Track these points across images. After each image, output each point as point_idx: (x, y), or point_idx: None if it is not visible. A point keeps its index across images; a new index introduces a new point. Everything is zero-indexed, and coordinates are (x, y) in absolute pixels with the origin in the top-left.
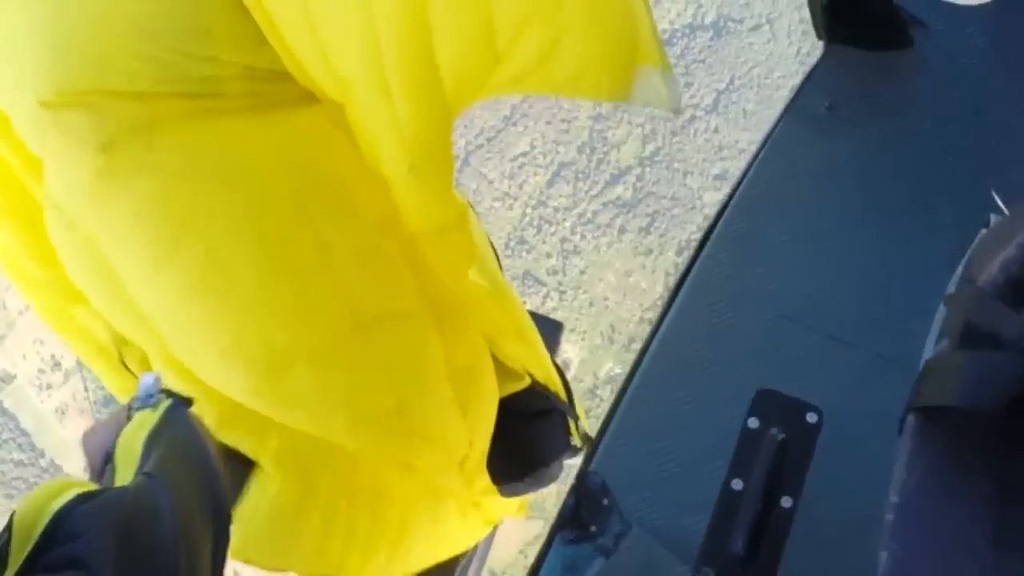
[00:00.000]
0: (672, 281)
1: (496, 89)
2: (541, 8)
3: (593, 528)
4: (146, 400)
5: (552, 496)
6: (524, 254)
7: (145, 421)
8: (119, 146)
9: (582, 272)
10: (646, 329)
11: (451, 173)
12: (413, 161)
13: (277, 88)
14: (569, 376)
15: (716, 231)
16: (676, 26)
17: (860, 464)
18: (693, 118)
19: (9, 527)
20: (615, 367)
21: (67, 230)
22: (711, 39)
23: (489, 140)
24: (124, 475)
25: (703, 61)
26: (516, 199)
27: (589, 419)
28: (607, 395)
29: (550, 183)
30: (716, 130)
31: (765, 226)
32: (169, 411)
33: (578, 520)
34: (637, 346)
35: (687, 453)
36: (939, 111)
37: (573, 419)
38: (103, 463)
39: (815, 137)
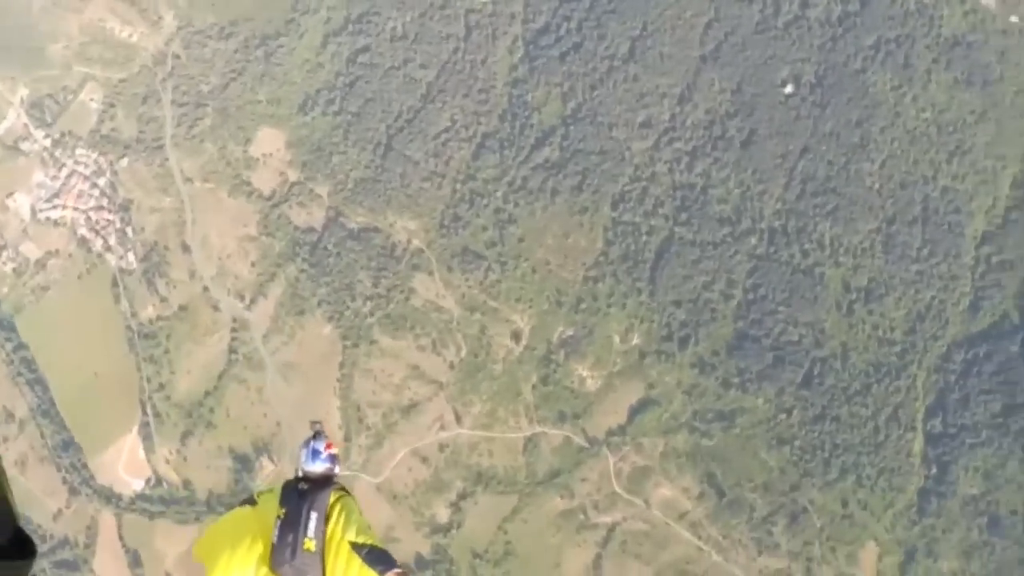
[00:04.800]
0: (611, 235)
1: None
2: None
3: None
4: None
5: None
6: (460, 231)
7: None
8: None
9: (520, 240)
10: (591, 288)
11: None
12: None
13: None
14: (522, 345)
15: None
16: None
17: None
18: (611, 68)
19: None
20: (567, 329)
21: None
22: None
23: (409, 122)
24: None
25: (614, 11)
26: (444, 176)
27: (545, 387)
28: (562, 359)
29: (476, 155)
30: (635, 78)
31: None
32: None
33: None
34: (585, 306)
35: None
36: None
37: None
38: None
39: None
